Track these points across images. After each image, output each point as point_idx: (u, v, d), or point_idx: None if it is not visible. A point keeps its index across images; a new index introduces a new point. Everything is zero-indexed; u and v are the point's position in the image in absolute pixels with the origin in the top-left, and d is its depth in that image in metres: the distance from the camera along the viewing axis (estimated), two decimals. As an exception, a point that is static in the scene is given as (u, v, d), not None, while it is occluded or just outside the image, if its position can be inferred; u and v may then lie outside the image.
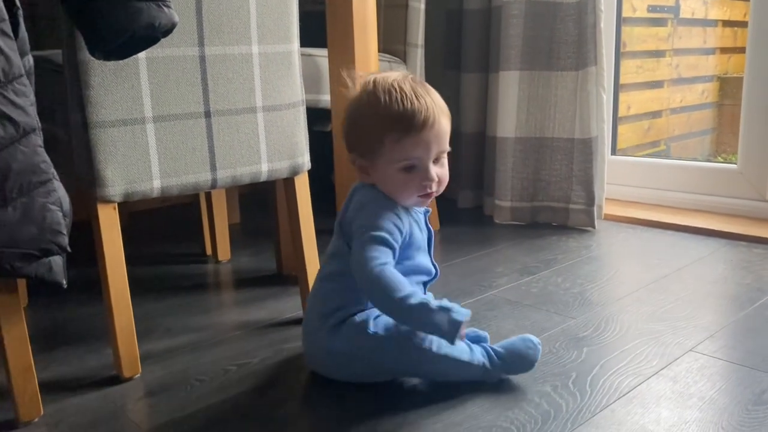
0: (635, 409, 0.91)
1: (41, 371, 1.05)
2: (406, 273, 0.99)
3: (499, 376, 0.99)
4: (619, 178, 2.03)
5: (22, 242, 0.77)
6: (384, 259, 0.93)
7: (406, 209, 1.00)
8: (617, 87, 2.08)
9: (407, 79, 0.97)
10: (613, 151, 2.09)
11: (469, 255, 1.62)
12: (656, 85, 2.77)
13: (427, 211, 1.06)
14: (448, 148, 0.99)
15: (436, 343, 0.95)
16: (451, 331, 0.88)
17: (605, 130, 1.79)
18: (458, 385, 0.98)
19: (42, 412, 0.94)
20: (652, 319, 1.21)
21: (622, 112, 2.31)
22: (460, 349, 0.97)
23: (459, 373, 0.97)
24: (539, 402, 0.94)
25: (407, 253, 1.00)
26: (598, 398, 0.94)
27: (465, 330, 0.91)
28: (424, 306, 0.89)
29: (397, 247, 0.96)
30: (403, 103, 0.94)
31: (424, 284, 1.06)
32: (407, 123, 0.93)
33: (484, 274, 1.47)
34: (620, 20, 2.04)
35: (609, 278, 1.44)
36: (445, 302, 0.91)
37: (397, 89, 0.95)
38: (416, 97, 0.95)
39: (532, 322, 1.21)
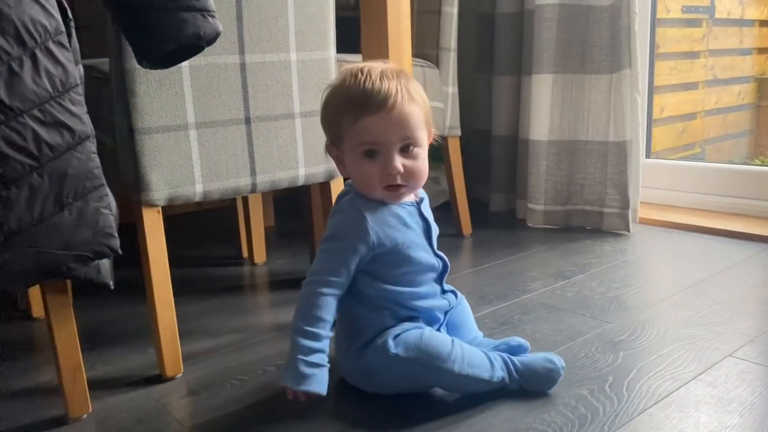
0: (673, 414, 0.91)
1: (88, 370, 1.08)
2: (412, 273, 0.98)
3: (513, 388, 0.98)
4: (654, 182, 2.01)
5: (77, 245, 0.80)
6: (321, 277, 0.92)
7: (387, 210, 0.96)
8: (651, 89, 2.06)
9: (383, 66, 0.94)
10: (648, 154, 2.07)
11: (502, 259, 1.62)
12: (691, 86, 2.73)
13: (422, 200, 1.01)
14: (417, 137, 0.93)
15: (458, 363, 0.93)
16: (279, 381, 0.90)
17: (639, 133, 1.78)
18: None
19: (90, 409, 0.97)
20: (690, 324, 1.20)
21: (655, 115, 2.29)
22: (481, 367, 0.95)
23: (479, 388, 0.96)
24: (576, 405, 0.94)
25: (399, 256, 0.96)
26: (635, 402, 0.94)
27: (295, 395, 0.89)
28: (292, 344, 0.90)
29: (354, 255, 0.93)
30: (363, 84, 0.90)
31: (439, 280, 1.02)
32: (364, 103, 0.90)
33: (517, 278, 1.48)
34: (654, 22, 2.02)
35: (645, 282, 1.43)
36: (306, 368, 0.88)
37: (364, 72, 0.92)
38: (381, 79, 0.91)
39: (568, 326, 1.21)
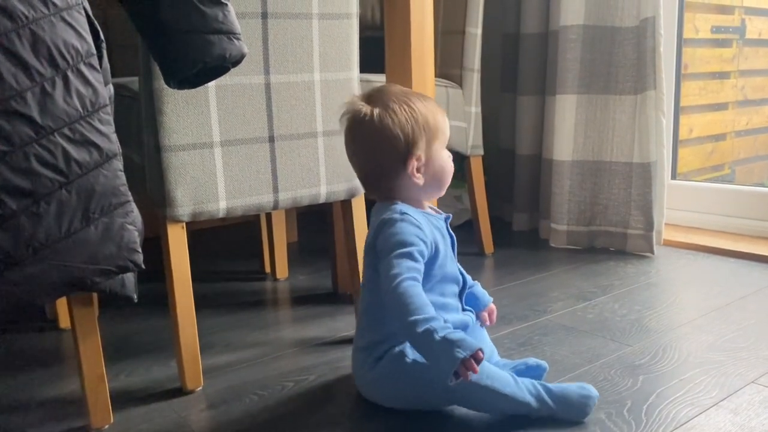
0: (693, 441, 0.90)
1: (111, 381, 1.11)
2: (442, 283, 1.01)
3: (543, 415, 0.95)
4: (680, 203, 1.99)
5: (102, 259, 0.82)
6: (408, 275, 0.92)
7: (427, 219, 1.01)
8: (677, 110, 2.05)
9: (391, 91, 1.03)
10: (674, 176, 2.05)
11: (523, 279, 1.62)
12: (720, 107, 2.70)
13: (448, 217, 1.07)
14: None
15: (477, 373, 0.88)
16: (446, 367, 0.84)
17: (665, 154, 1.77)
18: (511, 409, 0.98)
19: (112, 420, 0.99)
20: (712, 349, 1.18)
21: (683, 135, 2.27)
22: (502, 381, 0.93)
23: (501, 406, 0.94)
24: (593, 429, 0.93)
25: (437, 263, 0.99)
26: (653, 428, 0.93)
27: (471, 371, 0.85)
28: (427, 334, 0.86)
29: (422, 258, 0.95)
30: (430, 101, 1.04)
31: (459, 295, 1.05)
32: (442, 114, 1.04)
33: (538, 299, 1.47)
34: (681, 43, 2.01)
35: (667, 305, 1.41)
36: (456, 334, 0.86)
37: (403, 97, 1.02)
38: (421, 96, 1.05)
39: (588, 348, 1.20)
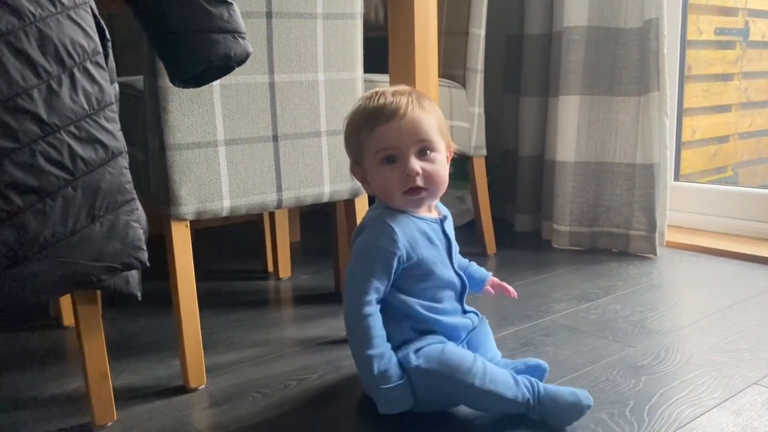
0: (695, 441, 0.90)
1: (114, 378, 1.11)
2: (435, 289, 1.01)
3: (536, 416, 0.94)
4: (682, 205, 1.99)
5: (107, 256, 0.83)
6: (370, 297, 0.95)
7: (411, 223, 0.98)
8: (681, 112, 2.05)
9: (397, 87, 1.01)
10: (677, 177, 2.05)
11: (526, 279, 1.62)
12: (723, 109, 2.70)
13: (444, 219, 1.04)
14: (432, 140, 0.97)
15: (479, 378, 0.92)
16: (377, 401, 0.95)
17: (668, 156, 1.77)
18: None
19: (115, 417, 0.99)
20: (715, 350, 1.18)
21: (687, 137, 2.27)
22: (504, 384, 0.93)
23: (503, 407, 0.94)
24: (595, 429, 0.93)
25: (420, 269, 0.98)
26: (656, 428, 0.93)
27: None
28: (370, 376, 0.94)
29: (387, 272, 0.96)
30: (377, 101, 0.98)
31: (460, 299, 1.04)
32: (377, 114, 0.97)
33: (541, 299, 1.47)
34: (684, 44, 2.01)
35: (670, 307, 1.41)
36: (390, 395, 0.94)
37: (378, 93, 0.99)
38: (393, 95, 0.98)
39: (590, 348, 1.20)
